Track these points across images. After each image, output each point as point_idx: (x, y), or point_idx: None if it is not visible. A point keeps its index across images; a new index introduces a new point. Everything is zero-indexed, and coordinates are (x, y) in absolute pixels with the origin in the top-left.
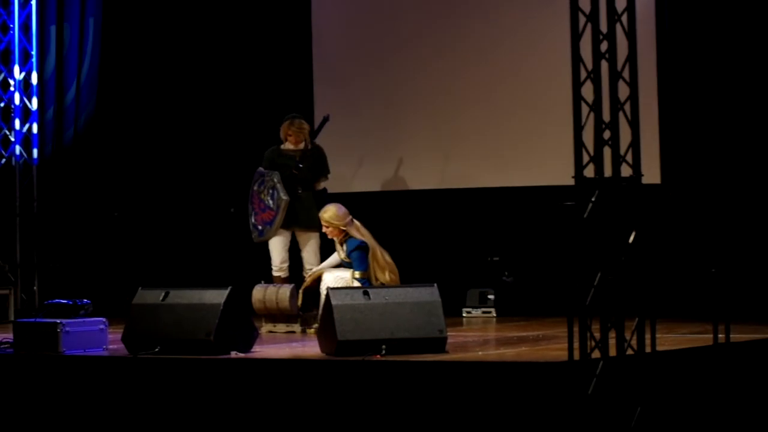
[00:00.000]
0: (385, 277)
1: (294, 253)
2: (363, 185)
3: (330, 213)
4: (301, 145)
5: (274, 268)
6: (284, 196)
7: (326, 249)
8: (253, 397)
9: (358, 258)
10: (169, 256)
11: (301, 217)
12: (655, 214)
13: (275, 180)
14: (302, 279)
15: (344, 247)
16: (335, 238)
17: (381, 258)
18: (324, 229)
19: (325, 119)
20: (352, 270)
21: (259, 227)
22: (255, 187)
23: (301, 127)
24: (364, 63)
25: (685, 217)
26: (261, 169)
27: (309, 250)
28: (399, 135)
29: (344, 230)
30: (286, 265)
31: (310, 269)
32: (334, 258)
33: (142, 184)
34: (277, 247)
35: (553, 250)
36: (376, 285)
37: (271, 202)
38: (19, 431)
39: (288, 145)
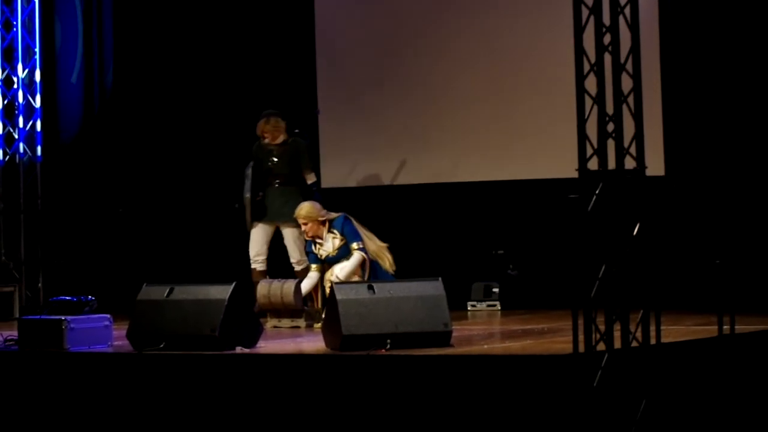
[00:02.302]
0: (386, 256)
1: (281, 248)
2: (368, 180)
3: (306, 209)
4: (278, 141)
5: (251, 259)
6: (246, 194)
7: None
8: (259, 393)
9: (351, 231)
10: (173, 252)
11: (282, 211)
12: (659, 206)
13: (247, 173)
14: (286, 272)
15: (332, 234)
16: (317, 236)
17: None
18: (303, 228)
19: (315, 114)
20: (353, 250)
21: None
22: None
23: (276, 125)
24: (368, 59)
25: (689, 208)
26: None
27: (290, 243)
28: (403, 129)
29: (323, 220)
30: (261, 258)
31: (294, 261)
32: (311, 280)
33: (147, 181)
34: (255, 240)
35: (558, 243)
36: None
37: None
38: (25, 428)
39: (266, 140)
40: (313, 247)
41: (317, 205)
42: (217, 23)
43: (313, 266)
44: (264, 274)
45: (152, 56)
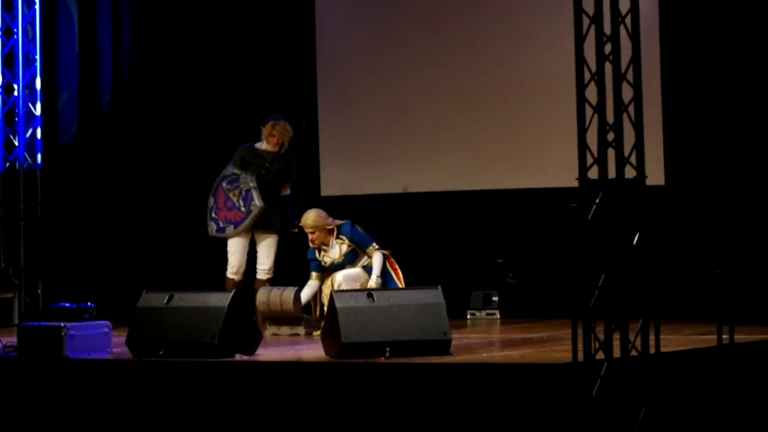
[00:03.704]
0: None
1: (282, 254)
2: (367, 188)
3: (312, 219)
4: (277, 148)
5: (230, 269)
6: (259, 203)
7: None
8: (258, 400)
9: (362, 236)
10: (173, 260)
11: (260, 220)
12: (659, 215)
13: (251, 184)
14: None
15: (340, 240)
16: (324, 244)
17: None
18: (311, 237)
19: (302, 128)
20: (364, 257)
21: (220, 224)
22: (224, 184)
23: (285, 129)
24: (368, 66)
25: (689, 218)
26: (232, 166)
27: (263, 252)
28: (403, 138)
29: (330, 228)
30: (243, 269)
31: (263, 269)
32: (311, 288)
33: (147, 188)
34: (237, 251)
35: (558, 251)
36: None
37: (242, 203)
38: None
39: (264, 146)
40: (316, 255)
41: (322, 213)
42: (218, 31)
43: (314, 274)
44: (241, 284)
45: (153, 63)
